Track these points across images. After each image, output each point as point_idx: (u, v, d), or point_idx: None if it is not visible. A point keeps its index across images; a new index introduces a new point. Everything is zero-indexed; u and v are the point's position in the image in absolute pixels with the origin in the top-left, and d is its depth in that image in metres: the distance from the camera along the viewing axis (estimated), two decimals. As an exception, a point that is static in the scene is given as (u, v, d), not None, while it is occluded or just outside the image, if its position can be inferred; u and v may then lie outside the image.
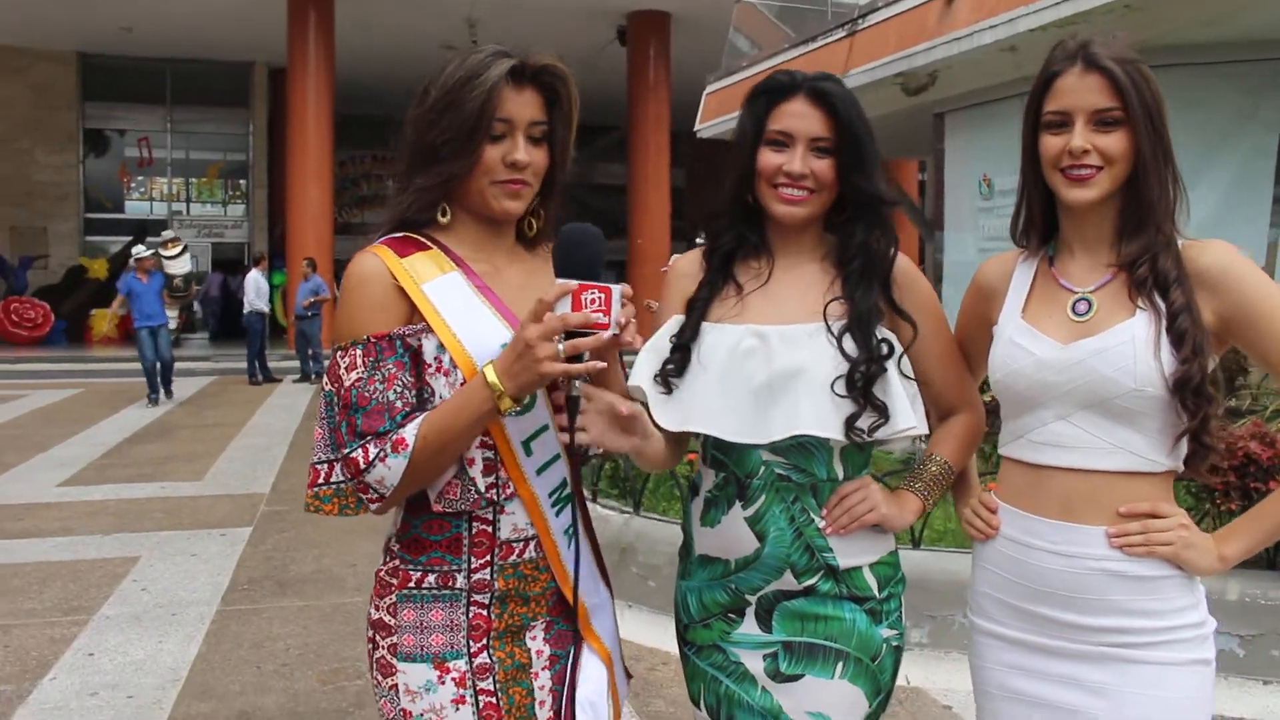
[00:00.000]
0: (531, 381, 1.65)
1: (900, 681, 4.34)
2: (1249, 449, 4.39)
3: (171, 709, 4.17)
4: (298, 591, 5.76)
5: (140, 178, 27.52)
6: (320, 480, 1.82)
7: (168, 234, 17.99)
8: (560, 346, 1.62)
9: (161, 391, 14.42)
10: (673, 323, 2.02)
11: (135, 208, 27.35)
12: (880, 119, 11.69)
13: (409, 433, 1.71)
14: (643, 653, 4.65)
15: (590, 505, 6.07)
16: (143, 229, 26.47)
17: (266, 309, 17.46)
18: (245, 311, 17.35)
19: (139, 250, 14.91)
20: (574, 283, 1.64)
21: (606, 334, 1.64)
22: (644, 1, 22.20)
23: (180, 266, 16.93)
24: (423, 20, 21.66)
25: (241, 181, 27.88)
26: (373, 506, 1.79)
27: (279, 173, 24.27)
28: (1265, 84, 8.37)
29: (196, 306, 25.80)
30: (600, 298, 1.64)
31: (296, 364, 17.97)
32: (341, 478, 1.80)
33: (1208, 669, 1.83)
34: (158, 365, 14.28)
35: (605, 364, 1.68)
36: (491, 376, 1.67)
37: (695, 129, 14.86)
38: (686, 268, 2.08)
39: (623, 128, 25.16)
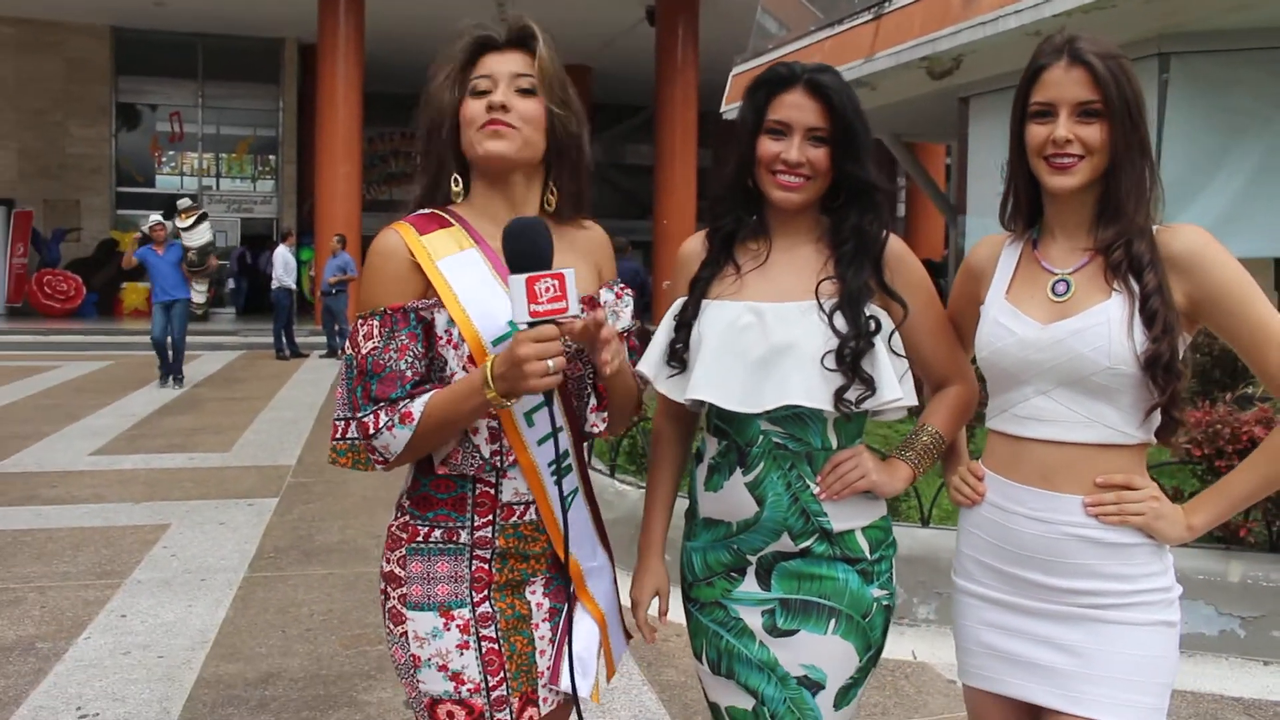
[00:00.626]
0: (518, 391, 1.77)
1: (906, 656, 4.50)
2: (1254, 434, 4.46)
3: (200, 668, 4.34)
4: (322, 560, 5.92)
5: (171, 152, 27.81)
6: (338, 435, 1.98)
7: (184, 202, 16.25)
8: (550, 364, 1.73)
9: (170, 379, 13.40)
10: (678, 304, 2.13)
11: (166, 182, 27.62)
12: (906, 103, 11.74)
13: (416, 408, 1.85)
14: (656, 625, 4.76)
15: (608, 480, 6.17)
16: (173, 203, 26.75)
17: (293, 285, 17.63)
18: (273, 287, 17.53)
19: (153, 218, 13.99)
20: (521, 279, 1.74)
21: (567, 315, 1.75)
22: (673, -19, 22.20)
23: (197, 238, 15.24)
24: (455, 2, 21.70)
25: (271, 157, 28.11)
26: (378, 466, 1.95)
27: (308, 149, 24.43)
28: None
29: (231, 282, 25.98)
30: (554, 284, 1.74)
31: (323, 339, 18.17)
32: (355, 435, 1.94)
33: (1173, 630, 1.95)
34: (169, 342, 13.32)
35: (569, 353, 1.80)
36: (488, 374, 1.79)
37: (721, 110, 14.88)
38: (692, 250, 2.19)
39: (650, 108, 25.17)
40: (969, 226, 11.18)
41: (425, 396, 1.86)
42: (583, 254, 2.11)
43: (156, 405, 11.78)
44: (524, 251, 1.78)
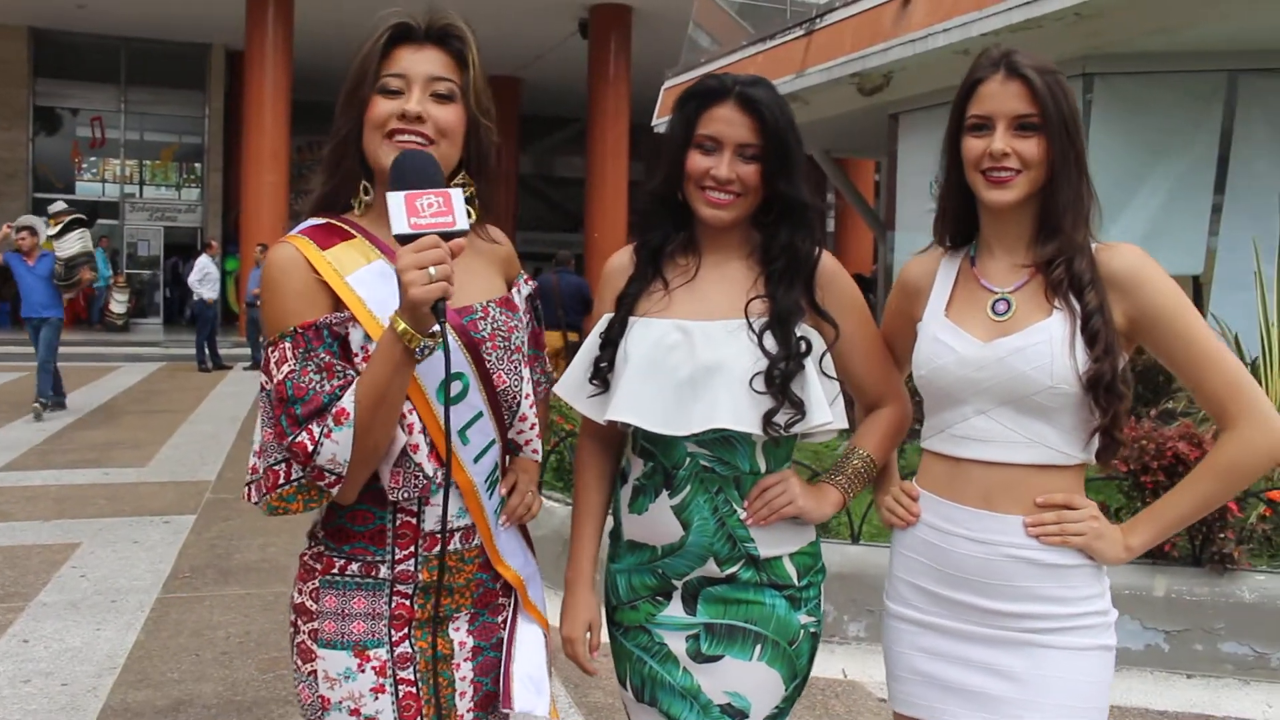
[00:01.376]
0: (415, 305, 1.61)
1: (836, 675, 4.45)
2: (1178, 449, 4.50)
3: (107, 696, 4.15)
4: (240, 580, 5.74)
5: (92, 158, 27.11)
6: (282, 480, 1.75)
7: (56, 206, 13.85)
8: (432, 271, 1.59)
9: (38, 407, 11.09)
10: (604, 321, 2.06)
11: (86, 189, 26.89)
12: (837, 119, 11.83)
13: (347, 401, 1.70)
14: (583, 644, 4.68)
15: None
16: (94, 211, 26.08)
17: (214, 295, 17.28)
18: (192, 298, 17.16)
19: (21, 220, 11.93)
20: (399, 194, 1.63)
21: (456, 227, 1.64)
22: (606, -6, 22.21)
23: (67, 247, 12.33)
24: (383, 6, 21.43)
25: (196, 165, 27.54)
26: (334, 491, 1.75)
27: (235, 157, 24.03)
28: (1210, 94, 8.52)
29: (167, 291, 25.22)
30: (438, 201, 1.64)
31: (248, 351, 17.83)
32: (301, 473, 1.75)
33: (1109, 654, 1.93)
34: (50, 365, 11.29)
35: (464, 241, 1.66)
36: (395, 317, 1.67)
37: (653, 123, 14.89)
38: (619, 264, 2.12)
39: (581, 120, 25.15)
40: (898, 242, 11.28)
41: (351, 387, 1.72)
42: (491, 264, 2.02)
43: (71, 418, 11.41)
44: (406, 174, 1.67)
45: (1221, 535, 4.41)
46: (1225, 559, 4.40)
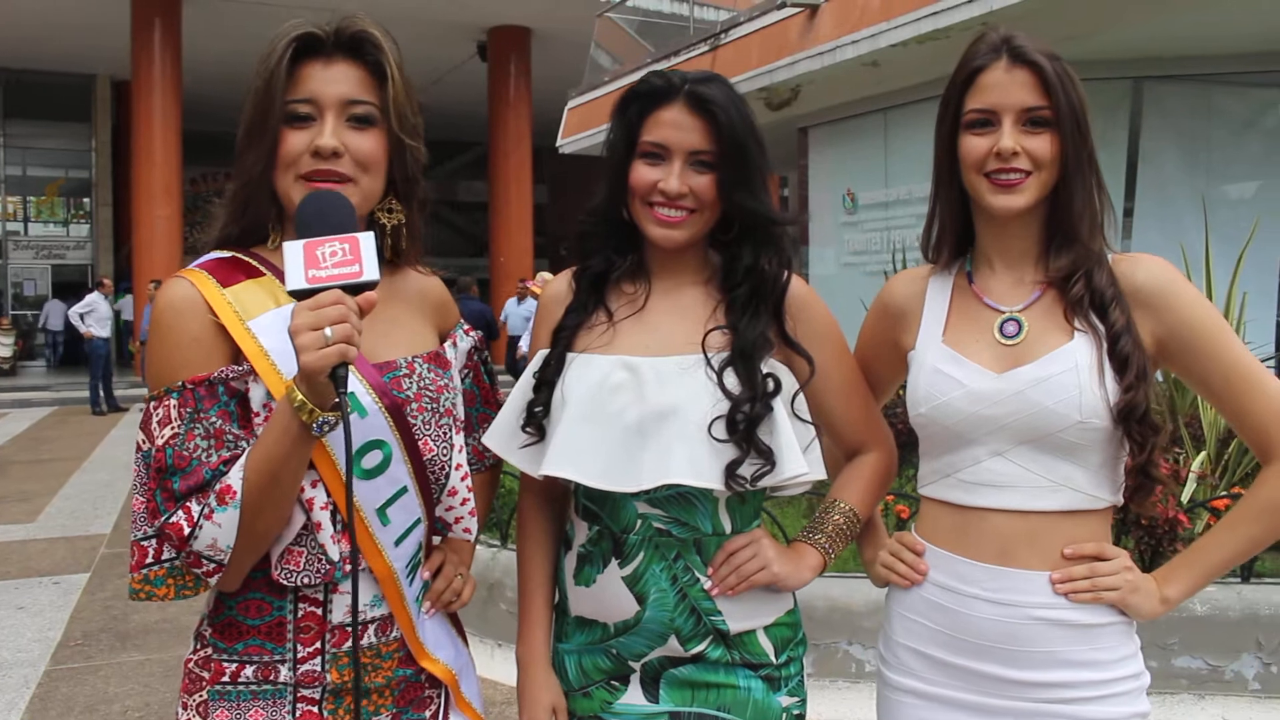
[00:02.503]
0: (309, 375, 1.35)
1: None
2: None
3: (-13, 789, 3.74)
4: (139, 645, 5.31)
5: (-28, 196, 26.02)
6: (149, 560, 1.48)
7: None
8: (328, 332, 1.32)
9: None
10: (539, 358, 1.79)
11: (-34, 228, 25.82)
12: (746, 134, 11.84)
13: (234, 478, 1.43)
14: (514, 695, 4.39)
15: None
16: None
17: (105, 333, 16.60)
18: (85, 337, 16.49)
19: None
20: (298, 243, 1.38)
21: (360, 280, 1.37)
22: (504, 17, 21.89)
23: None
24: (275, 31, 21.00)
25: (85, 200, 26.59)
26: (212, 581, 1.49)
27: (125, 191, 23.19)
28: (1117, 103, 8.59)
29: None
30: (343, 248, 1.38)
31: (145, 391, 17.12)
32: (174, 555, 1.48)
33: None
34: None
35: (374, 295, 1.39)
36: (292, 385, 1.40)
37: (557, 144, 14.68)
38: (555, 293, 1.85)
39: (483, 144, 24.85)
40: (811, 257, 11.21)
41: (240, 462, 1.44)
42: (418, 310, 1.74)
43: (-48, 472, 10.73)
44: (310, 219, 1.41)
45: (1172, 549, 4.29)
46: (1176, 573, 4.29)
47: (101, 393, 16.58)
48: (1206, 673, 4.28)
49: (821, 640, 4.50)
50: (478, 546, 5.66)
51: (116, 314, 18.95)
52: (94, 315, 16.57)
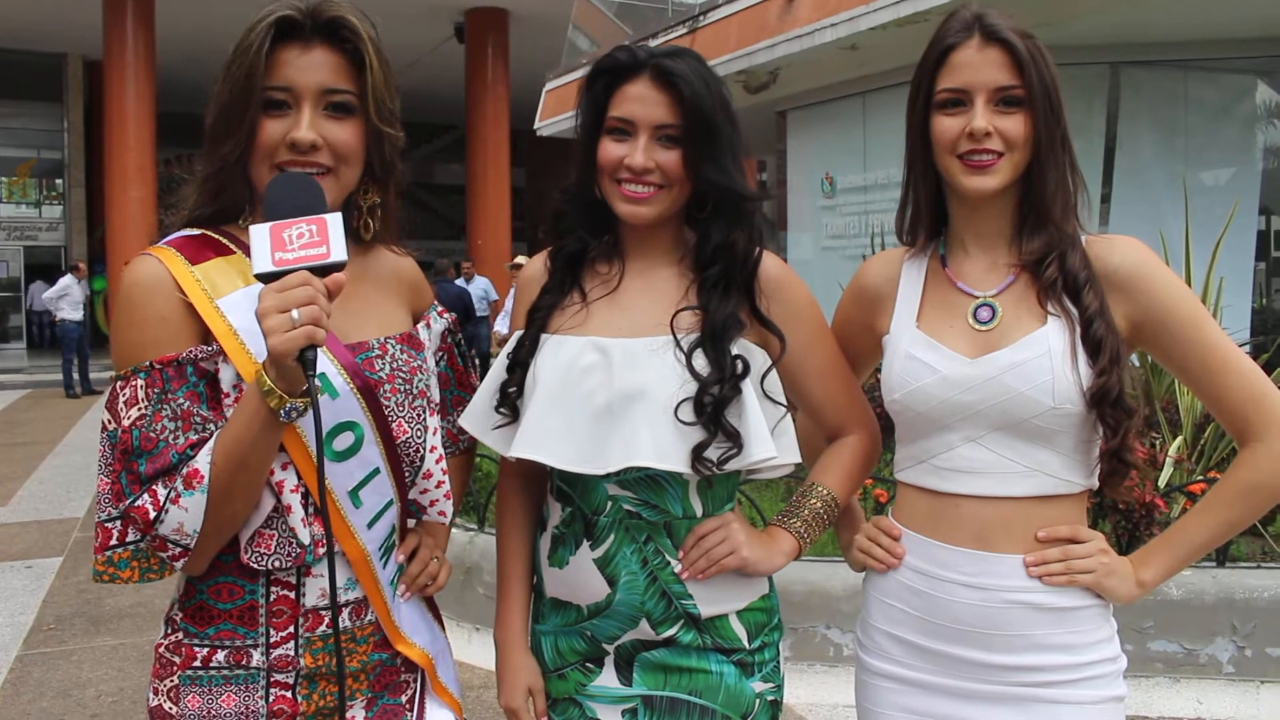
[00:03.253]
0: (277, 358, 1.33)
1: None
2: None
3: (-42, 776, 3.71)
4: (112, 629, 5.27)
5: (-59, 176, 25.71)
6: (113, 542, 1.46)
7: None
8: (295, 314, 1.31)
9: None
10: (514, 338, 1.77)
11: (-64, 209, 25.52)
12: (725, 117, 11.87)
13: (201, 461, 1.41)
14: (491, 679, 4.38)
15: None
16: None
17: (77, 315, 16.46)
18: (57, 319, 16.38)
19: None
20: (264, 226, 1.36)
21: (331, 259, 1.36)
22: (481, -2, 21.81)
23: None
24: (250, 11, 20.71)
25: (57, 181, 26.29)
26: (178, 565, 1.47)
27: (98, 172, 22.95)
28: (1094, 88, 8.63)
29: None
30: (310, 230, 1.36)
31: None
32: (139, 538, 1.46)
33: (1121, 706, 1.69)
34: None
35: (343, 276, 1.38)
36: (261, 371, 1.38)
37: (535, 127, 14.63)
38: (532, 274, 1.83)
39: (461, 127, 24.71)
40: (790, 241, 11.23)
41: (208, 445, 1.43)
42: (392, 291, 1.72)
43: (-77, 455, 10.63)
44: (275, 203, 1.39)
45: (1149, 533, 4.31)
46: (1151, 556, 4.31)
47: (76, 375, 16.48)
48: (1182, 656, 4.32)
49: (799, 624, 4.51)
50: (454, 530, 5.65)
51: (97, 295, 18.71)
52: (67, 299, 16.47)
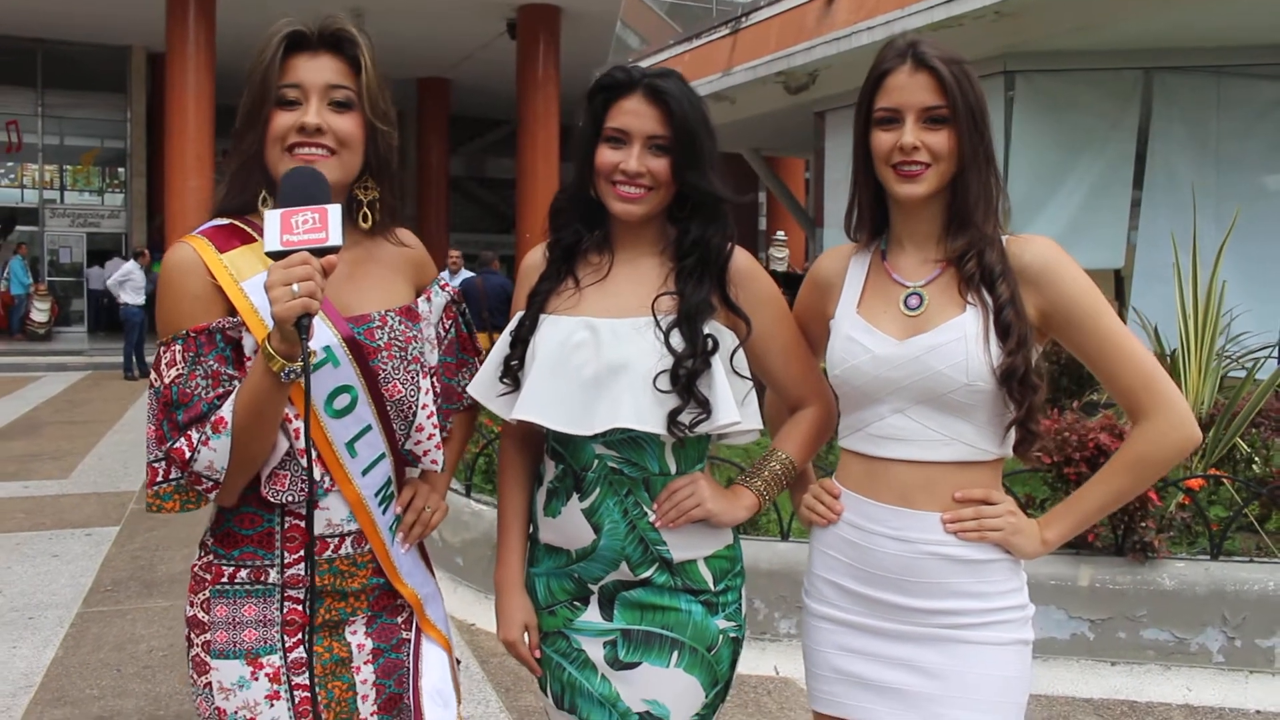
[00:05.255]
0: (279, 322, 1.61)
1: (769, 672, 4.46)
2: (1099, 440, 4.57)
3: (22, 716, 4.03)
4: (164, 591, 5.61)
5: (10, 163, 26.39)
6: (159, 478, 1.78)
7: None
8: (295, 288, 1.59)
9: None
10: (516, 319, 2.04)
11: (4, 195, 26.20)
12: (764, 117, 11.89)
13: (225, 410, 1.70)
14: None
15: (464, 500, 5.98)
16: (12, 217, 25.45)
17: (139, 300, 16.95)
18: (121, 304, 16.84)
19: None
20: (276, 212, 1.64)
21: (328, 243, 1.64)
22: (534, -5, 22.06)
23: None
24: (307, 8, 21.10)
25: (119, 170, 26.93)
26: (211, 496, 1.78)
27: (158, 162, 23.48)
28: (1129, 92, 8.69)
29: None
30: (314, 217, 1.64)
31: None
32: (179, 475, 1.77)
33: (1027, 649, 1.93)
34: None
35: (335, 258, 1.66)
36: (265, 340, 1.67)
37: (582, 124, 14.86)
38: (532, 262, 2.10)
39: (512, 121, 24.99)
40: (827, 239, 11.38)
41: (231, 396, 1.72)
42: (396, 270, 2.00)
43: (-11, 431, 11.11)
44: (287, 192, 1.68)
45: (1143, 525, 4.48)
46: (1146, 548, 4.47)
47: (134, 358, 16.95)
48: (1173, 645, 4.47)
49: (801, 601, 4.72)
50: (483, 508, 5.88)
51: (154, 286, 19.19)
52: (130, 284, 16.91)
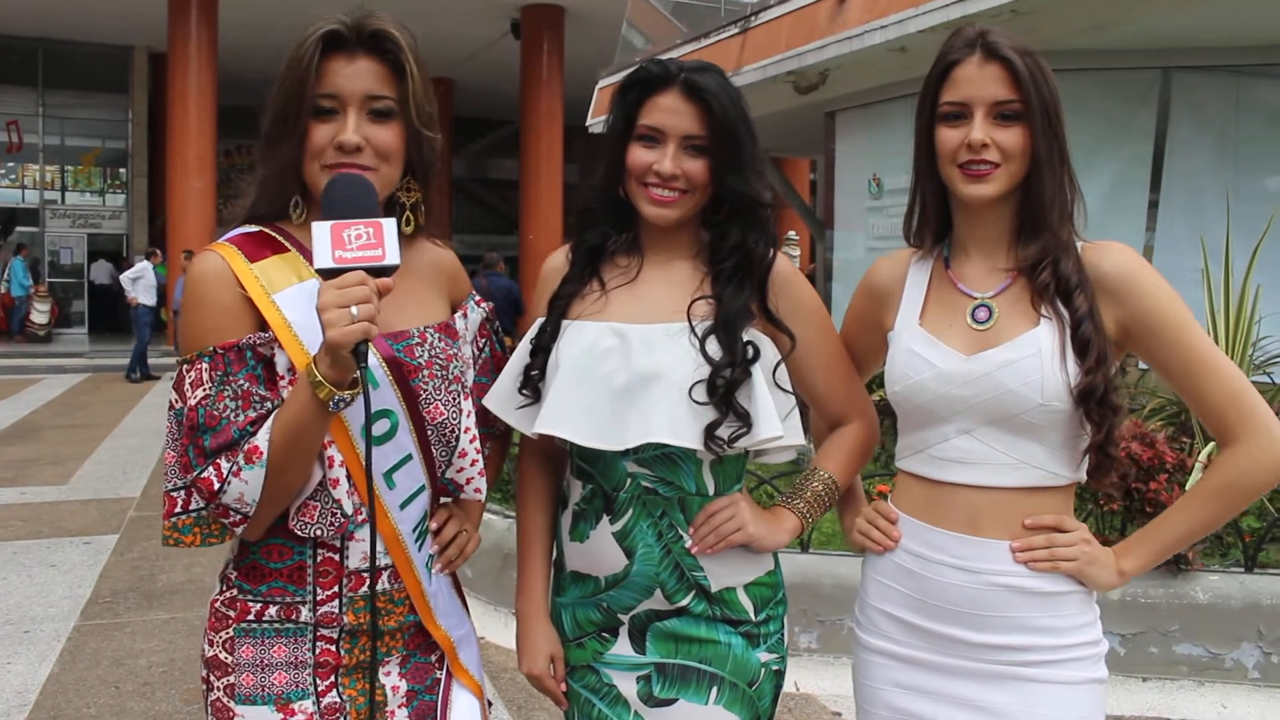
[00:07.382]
0: (334, 348, 1.47)
1: (789, 688, 4.31)
2: (1130, 449, 4.43)
3: (17, 736, 3.90)
4: (165, 603, 5.47)
5: (10, 164, 26.27)
6: (178, 509, 1.62)
7: None
8: (354, 310, 1.45)
9: None
10: (536, 325, 1.89)
11: (4, 195, 26.08)
12: (772, 117, 11.77)
13: (261, 439, 1.54)
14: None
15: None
16: (12, 218, 25.32)
17: (150, 301, 16.85)
18: (133, 305, 16.73)
19: None
20: (326, 224, 1.49)
21: (383, 264, 1.50)
22: (538, -5, 21.96)
23: None
24: (311, 7, 20.95)
25: (121, 170, 26.81)
26: (238, 530, 1.62)
27: (160, 162, 23.39)
28: (1145, 92, 8.55)
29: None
30: (367, 232, 1.50)
31: (175, 360, 17.35)
32: (202, 506, 1.61)
33: (1101, 688, 1.78)
34: None
35: (390, 281, 1.51)
36: (311, 364, 1.52)
37: (587, 124, 14.73)
38: (554, 265, 1.95)
39: (515, 122, 24.89)
40: (836, 241, 11.24)
41: (267, 424, 1.56)
42: (431, 283, 1.84)
43: (-12, 435, 10.96)
44: (333, 203, 1.53)
45: (1174, 536, 4.34)
46: (1179, 560, 4.33)
47: (139, 360, 16.77)
48: (1207, 660, 4.34)
49: (827, 617, 4.59)
50: (494, 517, 5.76)
51: (162, 287, 19.08)
52: (142, 283, 16.80)
